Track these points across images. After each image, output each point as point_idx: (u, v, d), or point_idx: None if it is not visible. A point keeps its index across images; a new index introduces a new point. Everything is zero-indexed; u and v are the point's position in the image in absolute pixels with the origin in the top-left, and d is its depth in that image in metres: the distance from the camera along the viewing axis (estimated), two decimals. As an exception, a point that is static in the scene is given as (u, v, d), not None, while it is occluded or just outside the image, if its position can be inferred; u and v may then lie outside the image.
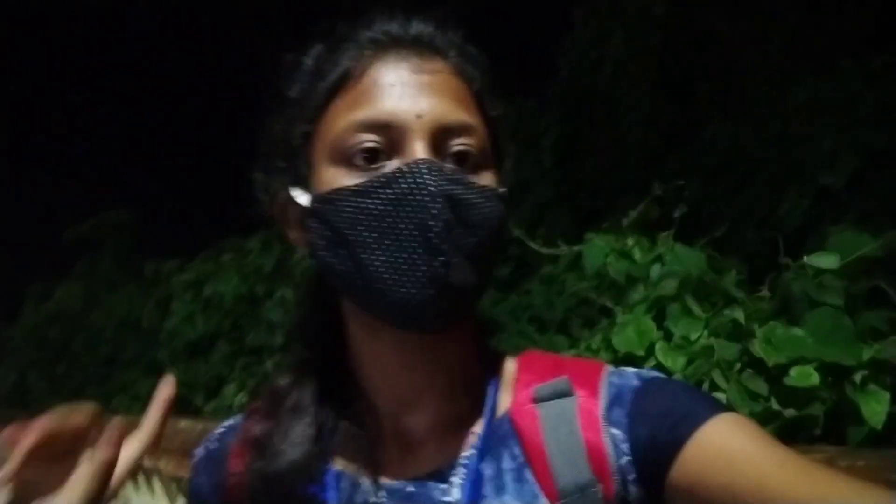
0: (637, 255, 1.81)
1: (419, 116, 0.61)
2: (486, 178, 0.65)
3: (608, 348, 1.61)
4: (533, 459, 0.63)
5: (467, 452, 0.66)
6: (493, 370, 0.71)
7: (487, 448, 0.65)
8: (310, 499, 0.66)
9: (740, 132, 2.92)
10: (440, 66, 0.66)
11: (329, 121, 0.65)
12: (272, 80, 0.71)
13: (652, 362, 1.49)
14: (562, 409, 0.64)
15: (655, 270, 1.71)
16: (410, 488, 0.65)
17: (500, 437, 0.66)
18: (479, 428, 0.67)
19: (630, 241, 1.86)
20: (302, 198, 0.66)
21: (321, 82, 0.66)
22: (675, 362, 1.43)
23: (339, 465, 0.68)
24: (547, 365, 0.70)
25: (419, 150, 0.61)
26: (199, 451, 0.78)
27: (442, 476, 0.65)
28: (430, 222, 0.58)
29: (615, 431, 0.62)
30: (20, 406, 7.14)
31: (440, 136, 0.62)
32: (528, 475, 0.62)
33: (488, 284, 0.68)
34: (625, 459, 0.61)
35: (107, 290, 6.41)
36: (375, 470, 0.67)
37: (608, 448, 0.61)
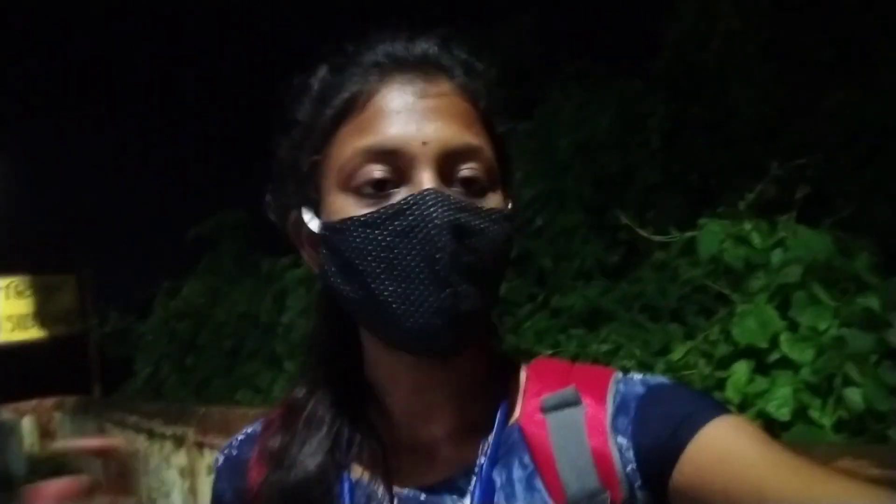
0: (756, 240, 1.71)
1: (425, 143, 0.62)
2: (493, 200, 0.66)
3: (727, 339, 1.53)
4: (542, 468, 0.64)
5: (479, 461, 0.67)
6: (504, 379, 0.72)
7: (498, 457, 0.67)
8: None
9: (866, 101, 2.72)
10: (445, 88, 0.66)
11: (336, 147, 0.65)
12: (281, 101, 0.72)
13: (776, 355, 1.41)
14: (570, 419, 0.65)
15: (777, 256, 1.62)
16: (423, 497, 0.67)
17: (511, 446, 0.67)
18: (490, 437, 0.68)
19: (748, 226, 1.76)
20: (312, 223, 0.68)
21: (327, 108, 0.67)
22: (803, 354, 1.35)
23: (354, 475, 0.70)
24: (556, 373, 0.71)
25: (426, 179, 0.61)
26: (220, 458, 0.80)
27: (454, 484, 0.67)
28: (437, 255, 0.59)
29: (621, 439, 0.63)
30: (155, 397, 7.63)
31: (447, 162, 0.63)
32: (538, 483, 0.64)
33: (496, 301, 0.69)
34: (630, 467, 0.62)
35: (228, 286, 6.72)
36: (389, 479, 0.68)
37: (615, 456, 0.62)
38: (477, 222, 0.62)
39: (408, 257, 0.60)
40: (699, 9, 3.90)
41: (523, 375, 0.72)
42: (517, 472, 0.65)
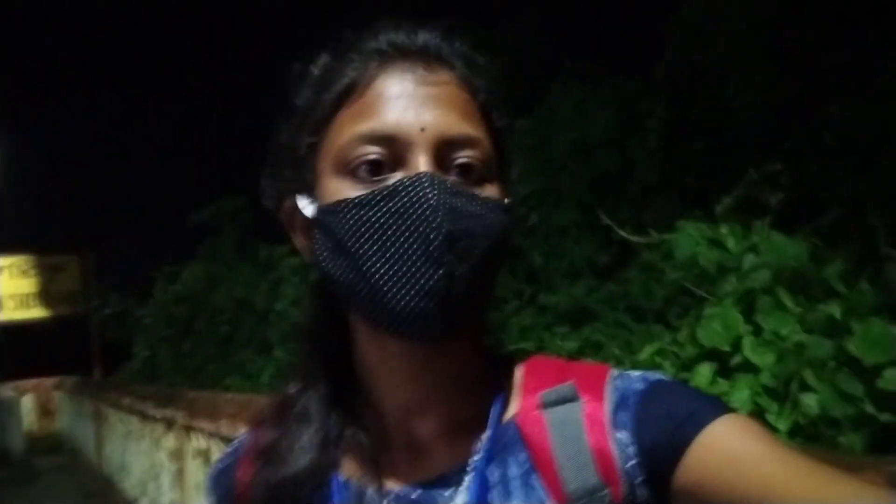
0: (730, 243, 1.71)
1: (423, 129, 0.62)
2: (490, 190, 0.65)
3: (693, 341, 1.53)
4: (540, 465, 0.63)
5: (473, 458, 0.65)
6: (499, 376, 0.71)
7: (493, 454, 0.65)
8: None
9: (866, 108, 2.70)
10: (446, 78, 0.65)
11: (334, 132, 0.65)
12: (281, 88, 0.71)
13: (739, 358, 1.40)
14: (568, 415, 0.64)
15: (748, 260, 1.61)
16: (416, 494, 0.66)
17: (506, 443, 0.65)
18: (485, 434, 0.66)
19: (724, 230, 1.75)
20: (307, 208, 0.67)
21: (327, 93, 0.66)
22: (763, 359, 1.34)
23: (345, 472, 0.69)
24: (553, 370, 0.69)
25: (422, 163, 0.61)
26: (212, 470, 0.80)
27: (447, 482, 0.65)
28: (431, 235, 0.58)
29: (621, 435, 0.61)
30: (152, 380, 7.68)
31: (444, 149, 0.62)
32: (536, 481, 0.62)
33: (492, 293, 0.68)
34: (631, 463, 0.60)
35: (227, 272, 6.75)
36: (381, 477, 0.67)
37: (615, 452, 0.61)
38: (472, 208, 0.62)
39: (401, 238, 0.59)
40: (705, 9, 3.88)
41: (519, 372, 0.71)
42: (513, 470, 0.64)
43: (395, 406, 0.69)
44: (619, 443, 0.61)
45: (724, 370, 1.46)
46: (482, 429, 0.67)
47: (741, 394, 1.32)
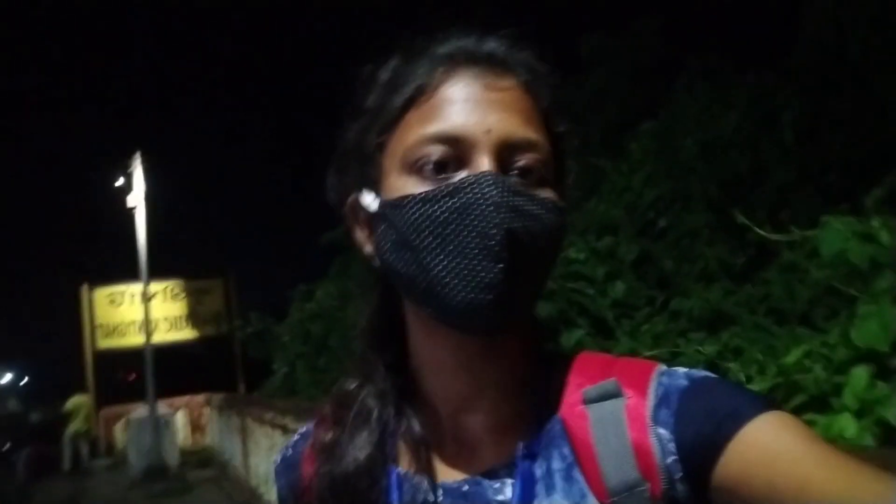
0: (884, 237, 1.58)
1: (487, 132, 0.64)
2: (548, 193, 0.67)
3: (847, 343, 1.43)
4: (582, 459, 0.64)
5: (520, 452, 0.67)
6: (547, 372, 0.73)
7: (539, 448, 0.67)
8: (374, 500, 0.71)
9: None
10: (510, 84, 0.68)
11: (402, 132, 0.68)
12: (351, 90, 0.75)
13: (898, 359, 1.30)
14: (610, 410, 0.65)
15: (906, 254, 1.49)
16: (466, 487, 0.69)
17: (551, 437, 0.67)
18: (531, 428, 0.69)
19: (875, 223, 1.63)
20: (372, 202, 0.70)
21: (396, 95, 0.69)
22: (928, 359, 1.23)
23: (400, 465, 0.72)
24: (598, 366, 0.71)
25: (485, 163, 0.63)
26: (278, 458, 0.84)
27: (496, 475, 0.68)
28: (492, 231, 0.61)
29: (662, 431, 0.62)
30: (291, 394, 8.02)
31: (506, 151, 0.65)
32: (577, 475, 0.64)
33: (543, 290, 0.71)
34: (671, 459, 0.61)
35: (358, 289, 6.95)
36: (433, 470, 0.71)
37: (655, 448, 0.61)
38: (532, 207, 0.64)
39: (462, 233, 0.62)
40: (841, -5, 3.66)
41: (566, 369, 0.72)
42: (557, 464, 0.66)
43: (447, 401, 0.72)
44: (660, 438, 0.62)
45: (883, 372, 1.36)
46: (528, 423, 0.69)
47: (904, 396, 1.22)
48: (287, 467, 0.82)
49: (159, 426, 12.81)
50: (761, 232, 2.12)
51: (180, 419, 15.68)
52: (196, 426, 16.21)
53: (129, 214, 13.91)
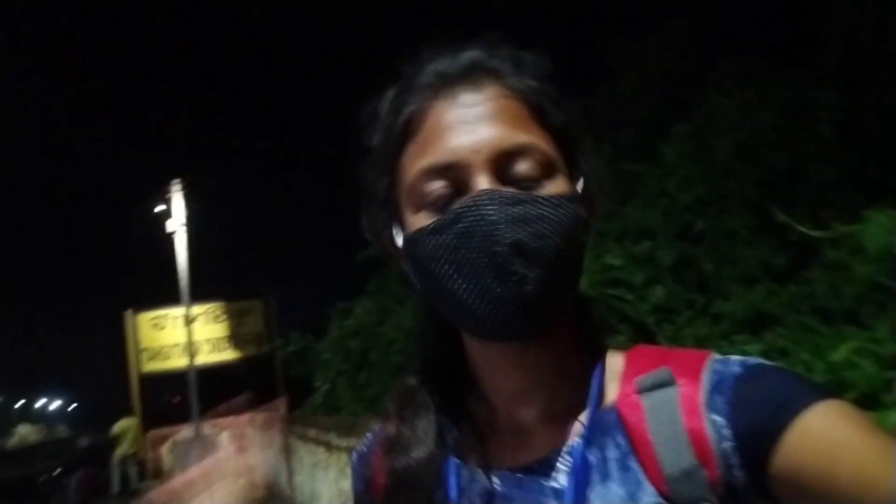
0: (930, 228, 1.55)
1: (477, 151, 0.66)
2: (555, 186, 0.68)
3: (897, 337, 1.40)
4: (638, 448, 0.65)
5: (574, 441, 0.69)
6: (601, 363, 0.74)
7: (593, 437, 0.68)
8: (435, 489, 0.73)
9: None
10: (494, 91, 0.69)
11: (403, 168, 0.71)
12: (357, 128, 0.77)
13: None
14: (664, 398, 0.66)
15: (955, 245, 1.46)
16: (521, 475, 0.71)
17: (606, 427, 0.68)
18: (585, 418, 0.70)
19: (921, 214, 1.60)
20: (398, 238, 0.74)
21: (391, 133, 0.72)
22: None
23: (458, 456, 0.75)
24: (652, 357, 0.72)
25: (482, 182, 0.66)
26: (353, 455, 0.89)
27: (550, 464, 0.69)
28: (496, 248, 0.63)
29: (716, 417, 0.62)
30: (333, 411, 8.06)
31: (501, 162, 0.66)
32: (633, 463, 0.65)
33: (576, 282, 0.72)
34: (727, 444, 0.61)
35: (395, 304, 6.99)
36: (489, 460, 0.73)
37: (710, 433, 0.62)
38: (536, 211, 0.65)
39: (471, 255, 0.64)
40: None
41: (620, 360, 0.74)
42: (612, 453, 0.66)
43: (501, 395, 0.75)
44: (715, 424, 0.62)
45: (935, 365, 1.33)
46: (582, 414, 0.70)
47: (958, 388, 1.19)
48: (361, 463, 0.87)
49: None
50: (803, 229, 2.09)
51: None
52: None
53: (169, 240, 14.16)
